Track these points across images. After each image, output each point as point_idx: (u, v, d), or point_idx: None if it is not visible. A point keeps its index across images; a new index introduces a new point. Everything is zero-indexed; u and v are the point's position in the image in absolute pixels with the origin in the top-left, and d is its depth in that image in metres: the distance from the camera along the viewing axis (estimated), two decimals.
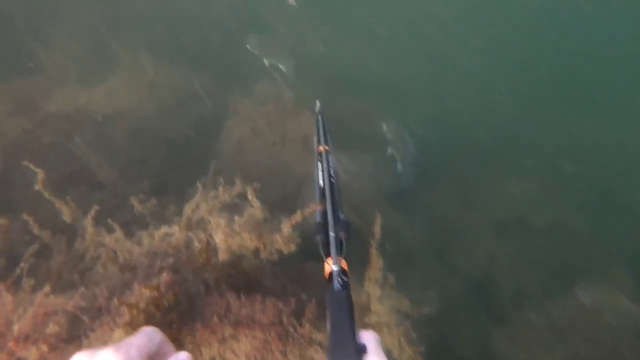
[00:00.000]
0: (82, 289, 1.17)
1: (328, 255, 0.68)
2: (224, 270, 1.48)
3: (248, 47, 4.28)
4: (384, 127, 4.86)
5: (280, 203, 3.40)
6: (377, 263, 1.58)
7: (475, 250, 4.89)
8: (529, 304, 3.95)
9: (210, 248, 1.50)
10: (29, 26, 4.28)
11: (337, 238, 0.70)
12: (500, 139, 6.12)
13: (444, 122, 6.66)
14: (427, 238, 4.75)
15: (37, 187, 1.75)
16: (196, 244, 1.50)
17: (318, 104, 1.26)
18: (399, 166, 4.83)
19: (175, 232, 1.51)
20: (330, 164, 0.90)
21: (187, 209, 1.99)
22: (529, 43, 7.74)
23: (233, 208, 2.01)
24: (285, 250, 1.48)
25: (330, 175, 0.84)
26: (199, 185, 1.94)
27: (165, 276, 1.27)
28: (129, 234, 1.95)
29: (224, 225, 1.43)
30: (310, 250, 1.81)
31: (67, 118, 3.50)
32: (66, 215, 1.90)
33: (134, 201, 2.01)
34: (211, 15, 5.05)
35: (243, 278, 1.52)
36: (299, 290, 1.70)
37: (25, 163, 1.68)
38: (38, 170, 1.70)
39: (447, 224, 5.18)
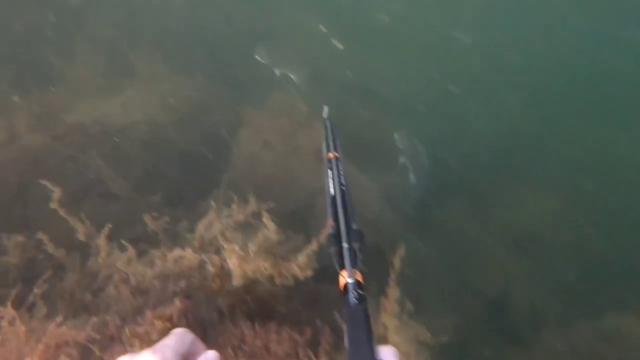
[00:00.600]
0: (93, 319, 1.14)
1: (342, 267, 0.65)
2: (238, 296, 1.44)
3: (257, 57, 4.25)
4: (396, 136, 4.78)
5: (292, 217, 3.37)
6: (394, 293, 1.52)
7: (491, 269, 4.75)
8: (549, 327, 3.80)
9: (224, 272, 1.47)
10: (53, 40, 4.39)
11: (350, 249, 0.67)
12: (516, 154, 5.99)
13: (458, 135, 6.55)
14: (441, 255, 4.63)
15: (52, 206, 1.75)
16: (210, 268, 1.47)
17: (326, 109, 1.23)
18: (412, 176, 4.75)
19: (188, 255, 1.48)
20: (341, 171, 0.87)
21: (200, 227, 1.97)
22: (547, 55, 7.61)
23: (247, 227, 1.99)
24: (301, 276, 1.43)
25: (340, 183, 0.81)
26: (212, 203, 1.92)
27: (177, 303, 1.24)
28: (142, 252, 1.93)
29: (238, 251, 1.39)
30: (324, 269, 1.76)
31: (84, 130, 3.55)
32: (81, 233, 1.89)
33: (147, 218, 2.00)
34: (226, 27, 5.12)
35: (257, 304, 1.48)
36: (314, 316, 1.64)
37: (42, 182, 1.68)
38: (55, 188, 1.70)
39: (462, 240, 5.06)
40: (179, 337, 0.54)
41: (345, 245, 0.67)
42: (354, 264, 0.65)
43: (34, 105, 3.81)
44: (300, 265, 1.34)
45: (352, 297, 0.60)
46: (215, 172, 3.63)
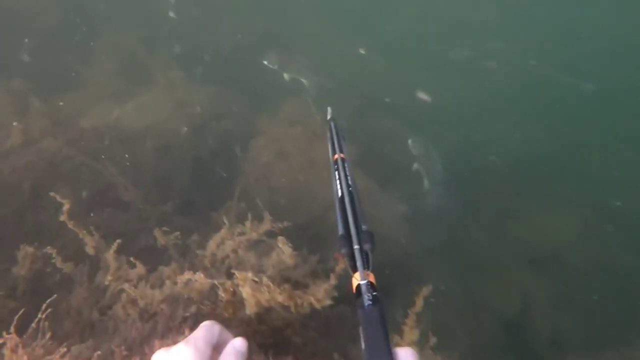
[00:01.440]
0: (98, 353, 1.07)
1: (354, 269, 0.64)
2: (251, 325, 1.35)
3: (265, 62, 4.12)
4: (409, 142, 4.62)
5: (306, 230, 3.28)
6: (410, 334, 1.41)
7: (508, 288, 4.56)
8: (571, 352, 3.60)
9: (236, 299, 1.38)
10: (73, 45, 4.43)
11: (362, 250, 0.66)
12: (537, 168, 5.79)
13: (475, 145, 6.38)
14: (455, 270, 4.48)
15: (62, 218, 1.70)
16: (221, 294, 1.38)
17: (330, 110, 1.18)
18: (426, 183, 4.58)
19: (199, 279, 1.39)
20: (348, 172, 0.84)
21: (212, 244, 1.89)
22: (570, 68, 7.40)
23: (260, 245, 1.90)
24: (319, 307, 1.33)
25: (348, 184, 0.79)
26: (224, 220, 1.84)
27: (187, 334, 1.14)
28: (151, 269, 1.86)
29: (251, 278, 1.30)
30: (339, 292, 1.66)
31: (99, 135, 3.54)
32: (89, 246, 1.83)
33: (157, 233, 1.93)
34: (242, 35, 5.10)
35: (272, 334, 1.38)
36: (331, 347, 1.54)
37: (52, 194, 1.63)
38: (64, 201, 1.65)
39: (477, 256, 4.89)
40: (208, 328, 0.57)
41: (356, 247, 0.66)
42: (366, 266, 0.64)
43: (51, 109, 3.83)
44: (318, 298, 1.24)
45: (367, 298, 0.59)
46: (227, 181, 3.57)
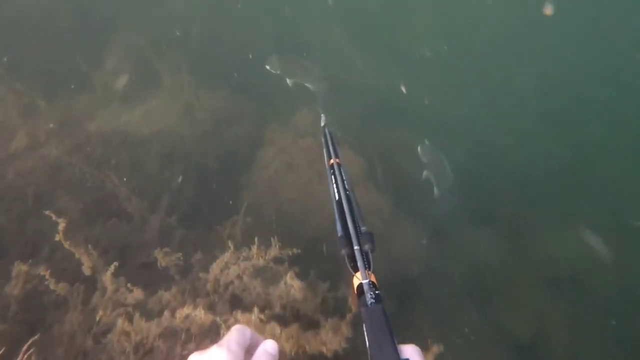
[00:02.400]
0: None
1: (355, 269, 0.65)
2: None
3: (267, 67, 3.95)
4: (419, 149, 4.42)
5: (314, 248, 3.15)
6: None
7: (522, 308, 4.36)
8: None
9: None
10: (83, 49, 4.37)
11: (362, 251, 0.67)
12: (556, 183, 5.56)
13: (489, 155, 6.18)
14: (467, 286, 4.30)
15: (57, 238, 1.59)
16: (223, 332, 1.25)
17: (323, 117, 1.20)
18: (435, 191, 4.38)
19: (199, 314, 1.27)
20: (344, 176, 0.85)
21: (215, 268, 1.78)
22: (594, 80, 7.17)
23: (267, 272, 1.77)
24: (329, 354, 1.20)
25: (345, 188, 0.80)
26: (229, 244, 1.72)
27: None
28: (150, 292, 1.75)
29: (256, 317, 1.18)
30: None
31: (105, 140, 3.45)
32: (86, 266, 1.73)
33: (158, 255, 1.82)
34: (256, 42, 5.01)
35: None
36: None
37: (47, 213, 1.53)
38: (60, 220, 1.54)
39: (490, 272, 4.69)
40: (240, 331, 0.58)
41: (356, 247, 0.66)
42: (367, 266, 0.64)
43: (58, 111, 3.77)
44: (328, 343, 1.11)
45: (369, 297, 0.59)
46: (234, 192, 3.47)
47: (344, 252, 0.68)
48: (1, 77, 3.61)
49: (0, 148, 3.30)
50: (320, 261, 2.28)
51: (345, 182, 0.82)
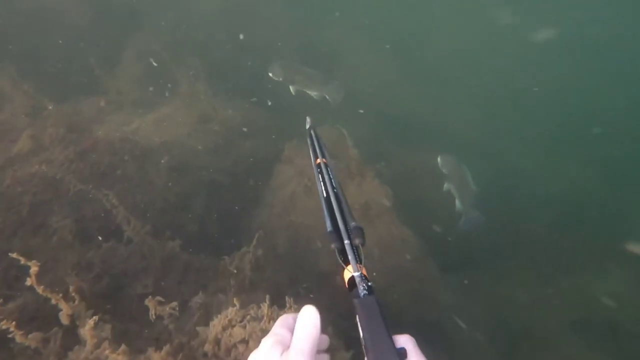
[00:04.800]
0: None
1: (346, 263, 0.65)
2: None
3: (270, 74, 3.73)
4: (439, 160, 4.08)
5: (327, 278, 2.83)
6: None
7: (553, 355, 3.94)
8: None
9: None
10: (99, 49, 4.19)
11: (352, 245, 0.67)
12: (591, 214, 5.11)
13: (513, 174, 5.77)
14: (490, 327, 3.90)
15: (29, 282, 1.32)
16: None
17: (308, 120, 1.20)
18: (458, 204, 3.99)
19: None
20: (332, 175, 0.85)
21: (217, 325, 1.47)
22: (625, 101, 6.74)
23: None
24: None
25: (333, 186, 0.80)
26: (234, 302, 1.41)
27: None
28: (138, 350, 1.45)
29: None
30: None
31: (111, 148, 3.22)
32: (64, 314, 1.45)
33: (150, 304, 1.52)
34: (280, 49, 4.78)
35: None
36: None
37: (15, 255, 1.25)
38: (31, 263, 1.27)
39: (516, 311, 4.28)
40: (283, 317, 0.60)
41: (346, 241, 0.67)
42: (358, 259, 0.65)
43: (67, 114, 3.56)
44: None
45: (362, 288, 0.60)
46: (247, 213, 3.18)
47: (334, 246, 0.68)
48: (10, 76, 3.44)
49: (1, 151, 3.11)
50: (340, 312, 1.95)
51: (332, 180, 0.82)
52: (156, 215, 2.89)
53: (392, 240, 2.93)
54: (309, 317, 0.56)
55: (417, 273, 3.11)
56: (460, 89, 6.60)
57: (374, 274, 3.20)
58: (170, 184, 3.09)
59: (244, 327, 1.42)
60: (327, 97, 3.80)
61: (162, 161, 3.25)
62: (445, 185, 4.00)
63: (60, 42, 3.97)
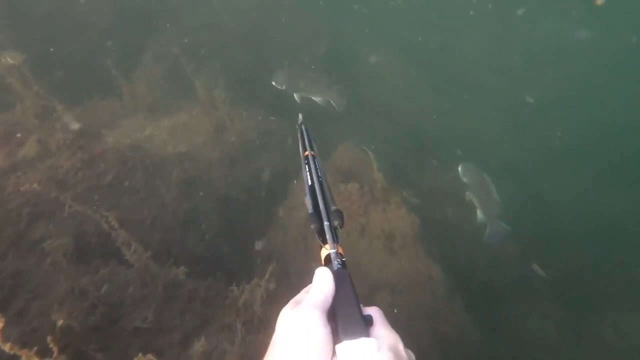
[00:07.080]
0: None
1: (324, 242, 0.69)
2: None
3: (273, 83, 3.65)
4: (459, 168, 3.78)
5: None
6: None
7: None
8: None
9: None
10: (117, 51, 4.04)
11: (331, 226, 0.71)
12: (630, 243, 4.65)
13: (546, 202, 5.36)
14: None
15: None
16: None
17: (300, 116, 1.13)
18: (479, 214, 3.65)
19: None
20: (318, 166, 0.89)
21: None
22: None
23: None
24: None
25: (318, 175, 0.85)
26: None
27: None
28: None
29: None
30: None
31: (122, 157, 3.02)
32: None
33: None
34: (305, 58, 4.56)
35: None
36: None
37: None
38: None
39: (544, 353, 3.89)
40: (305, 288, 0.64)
41: (326, 223, 0.71)
42: (335, 240, 0.69)
43: (78, 117, 3.39)
44: None
45: (336, 263, 0.64)
46: (260, 233, 2.93)
47: (313, 227, 0.72)
48: (24, 76, 3.29)
49: (6, 155, 2.95)
50: None
51: (318, 170, 0.87)
52: (162, 233, 2.67)
53: (418, 277, 2.63)
54: (321, 274, 0.60)
55: (442, 313, 2.78)
56: (490, 99, 6.25)
57: (395, 310, 2.90)
58: (180, 198, 2.87)
59: None
60: (332, 102, 3.74)
61: (174, 173, 3.04)
62: (467, 195, 3.72)
63: (79, 42, 3.83)
